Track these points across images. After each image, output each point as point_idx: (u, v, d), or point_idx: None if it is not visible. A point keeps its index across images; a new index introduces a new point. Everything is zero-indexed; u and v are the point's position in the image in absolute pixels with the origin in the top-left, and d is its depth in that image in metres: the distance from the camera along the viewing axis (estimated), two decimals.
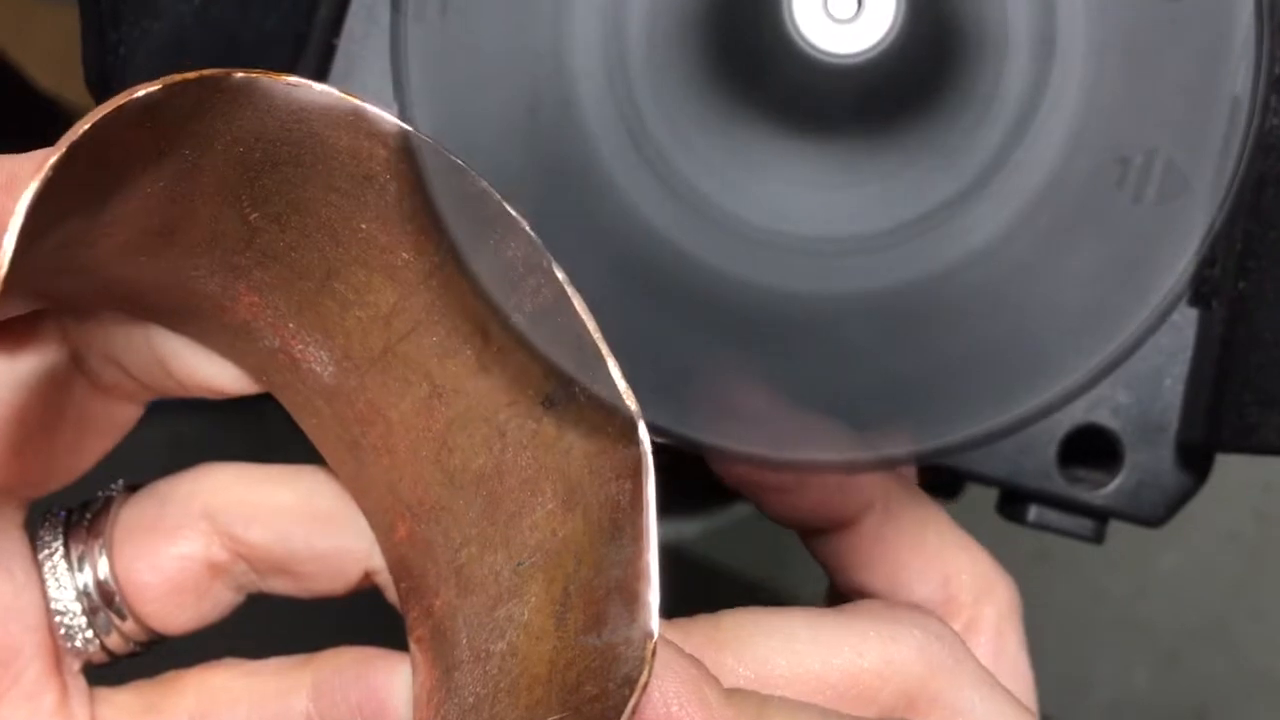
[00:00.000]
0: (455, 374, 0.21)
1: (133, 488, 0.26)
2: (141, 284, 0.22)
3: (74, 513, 0.25)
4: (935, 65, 0.17)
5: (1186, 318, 0.24)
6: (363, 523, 0.25)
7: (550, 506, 0.21)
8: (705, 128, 0.17)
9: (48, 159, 0.16)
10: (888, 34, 0.16)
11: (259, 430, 0.26)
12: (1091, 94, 0.19)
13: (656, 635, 0.18)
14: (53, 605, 0.24)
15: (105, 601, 0.25)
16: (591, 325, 0.19)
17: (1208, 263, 0.24)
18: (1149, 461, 0.25)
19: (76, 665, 0.25)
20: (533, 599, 0.21)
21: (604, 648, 0.19)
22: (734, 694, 0.20)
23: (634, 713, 0.17)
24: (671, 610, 0.25)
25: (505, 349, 0.20)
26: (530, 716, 0.20)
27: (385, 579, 0.25)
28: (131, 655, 0.26)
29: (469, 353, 0.21)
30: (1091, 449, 0.26)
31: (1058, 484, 0.25)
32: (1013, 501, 0.26)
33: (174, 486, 0.25)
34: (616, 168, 0.17)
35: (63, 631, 0.24)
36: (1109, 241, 0.19)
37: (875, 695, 0.22)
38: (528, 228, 0.19)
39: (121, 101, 0.16)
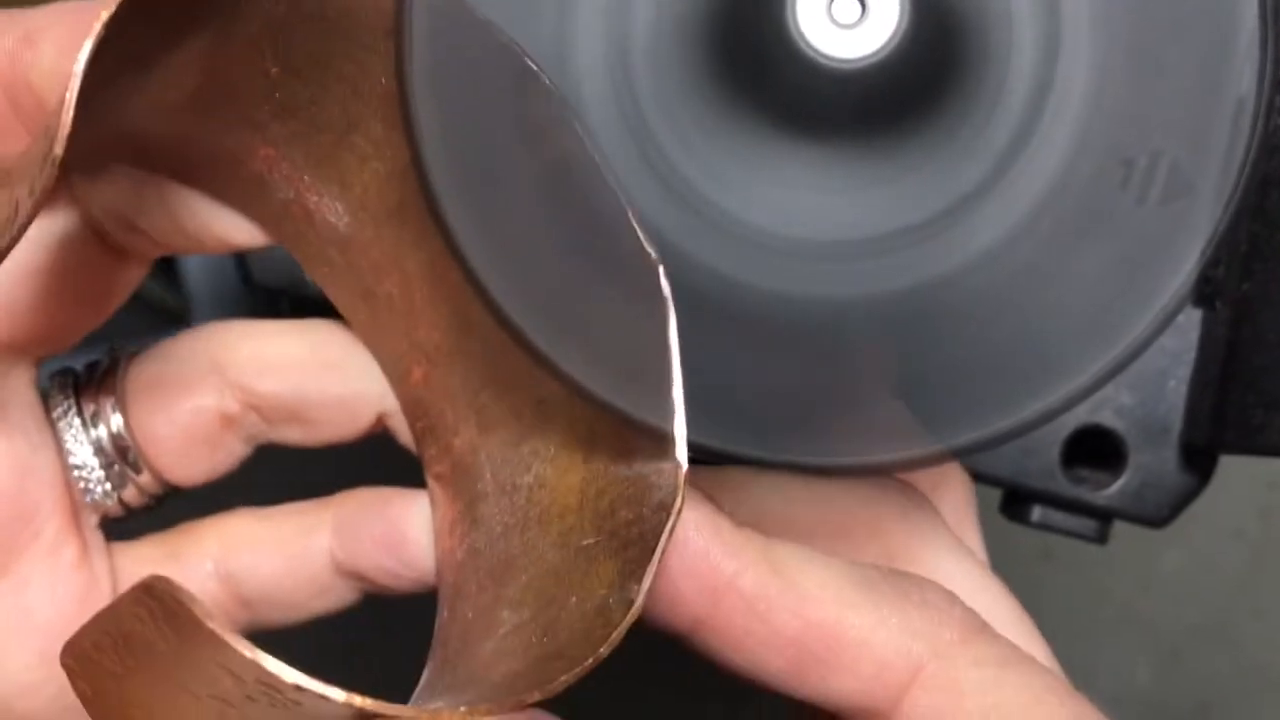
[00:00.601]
0: None
1: (133, 353, 0.26)
2: (157, 139, 0.22)
3: (80, 374, 0.25)
4: (939, 70, 0.17)
5: (1190, 319, 0.24)
6: (374, 368, 0.25)
7: None
8: (708, 131, 0.17)
9: (92, 14, 0.16)
10: (891, 39, 0.16)
11: None
12: (1096, 96, 0.19)
13: (685, 466, 0.19)
14: (70, 461, 0.24)
15: (120, 455, 0.25)
16: (612, 179, 0.18)
17: (1212, 264, 0.23)
18: (1152, 462, 0.25)
19: (94, 519, 0.25)
20: (557, 434, 0.21)
21: (635, 477, 0.19)
22: (743, 529, 0.21)
23: (671, 533, 0.18)
24: None
25: None
26: (564, 541, 0.20)
27: (398, 422, 0.25)
28: (146, 509, 0.26)
29: None
30: (1095, 450, 0.26)
31: (1061, 484, 0.25)
32: (1016, 502, 0.26)
33: (182, 344, 0.25)
34: (619, 170, 0.17)
35: (80, 486, 0.25)
36: (1113, 244, 0.19)
37: (861, 548, 0.22)
38: (549, 81, 0.18)
39: None
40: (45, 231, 0.22)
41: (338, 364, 0.25)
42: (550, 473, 0.21)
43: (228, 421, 0.25)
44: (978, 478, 0.26)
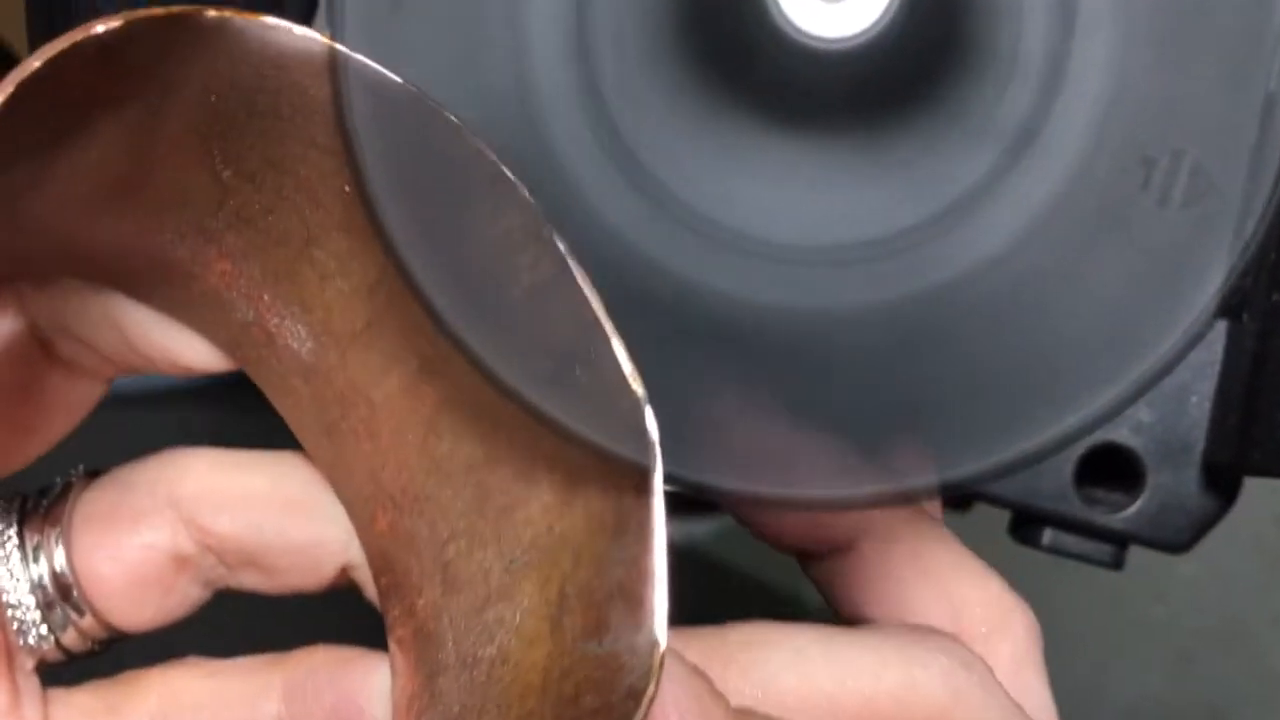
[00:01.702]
0: (444, 351, 0.19)
1: (93, 474, 0.24)
2: (105, 246, 0.20)
3: (29, 500, 0.24)
4: (938, 49, 0.16)
5: (1215, 330, 0.23)
6: (341, 513, 0.23)
7: (547, 499, 0.19)
8: (681, 124, 0.15)
9: None
10: (884, 14, 0.15)
11: (272, 419, 0.24)
12: (1114, 86, 0.17)
13: (664, 645, 0.17)
14: (5, 599, 0.23)
15: (62, 595, 0.23)
16: (595, 302, 0.17)
17: (1240, 273, 0.22)
18: (1172, 483, 0.24)
19: (30, 664, 0.23)
20: (526, 600, 0.20)
21: (605, 656, 0.18)
22: (742, 713, 0.19)
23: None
24: (680, 614, 0.23)
25: None
26: None
27: (364, 575, 0.23)
28: (89, 654, 0.24)
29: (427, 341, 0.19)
30: (1111, 469, 0.24)
31: (1074, 506, 0.24)
32: (1026, 524, 0.25)
33: (137, 472, 0.23)
34: (583, 173, 0.15)
35: (15, 627, 0.23)
36: (1133, 250, 0.17)
37: None
38: (526, 193, 0.17)
39: (78, 38, 0.15)
40: None
41: (302, 505, 0.23)
42: (514, 645, 0.20)
43: (182, 562, 0.23)
44: (984, 498, 0.25)
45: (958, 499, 0.39)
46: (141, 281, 0.22)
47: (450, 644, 0.21)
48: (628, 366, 0.17)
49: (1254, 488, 0.24)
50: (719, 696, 0.18)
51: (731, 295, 0.15)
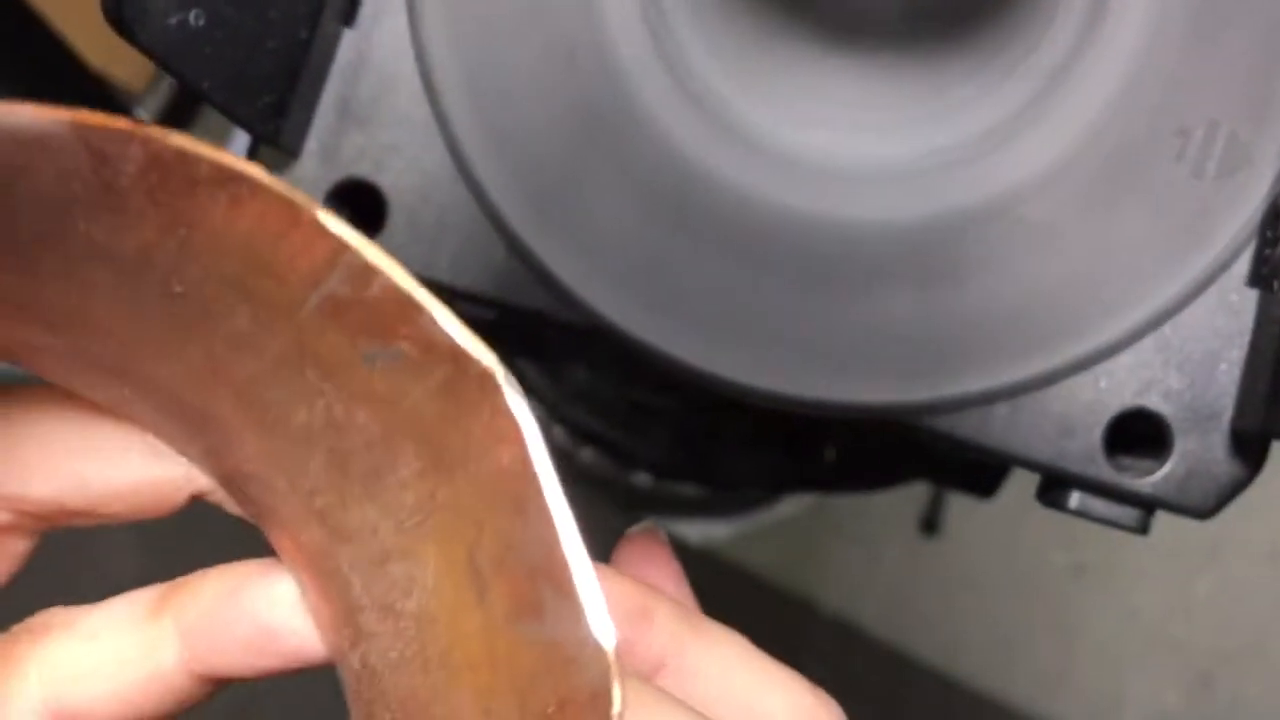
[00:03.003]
0: (231, 339, 0.19)
1: None
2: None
3: None
4: None
5: (1245, 299, 0.23)
6: (164, 448, 0.21)
7: (417, 467, 0.19)
8: (743, 47, 0.16)
9: None
10: None
11: None
12: (1147, 48, 0.18)
13: (610, 647, 0.16)
14: None
15: None
16: (395, 270, 0.16)
17: (1269, 242, 0.22)
18: (1200, 449, 0.24)
19: None
20: (432, 562, 0.19)
21: (550, 645, 0.17)
22: None
23: None
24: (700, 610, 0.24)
25: (281, 313, 0.18)
26: (483, 706, 0.18)
27: (222, 497, 0.22)
28: None
29: (241, 318, 0.18)
30: (1140, 435, 0.24)
31: (1103, 469, 0.24)
32: (1054, 487, 0.25)
33: None
34: (647, 92, 0.16)
35: None
36: (1160, 208, 0.18)
37: None
38: (262, 178, 0.16)
39: None
40: None
41: (124, 448, 0.21)
42: (438, 608, 0.19)
43: (4, 530, 0.21)
44: (1014, 461, 0.25)
45: (984, 483, 0.39)
46: None
47: (358, 585, 0.20)
48: (460, 334, 0.16)
49: (1273, 504, 0.25)
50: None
51: (778, 204, 0.16)
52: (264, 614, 0.21)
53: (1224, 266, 0.17)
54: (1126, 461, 0.25)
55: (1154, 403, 0.24)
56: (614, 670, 0.16)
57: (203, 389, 0.20)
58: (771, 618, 1.05)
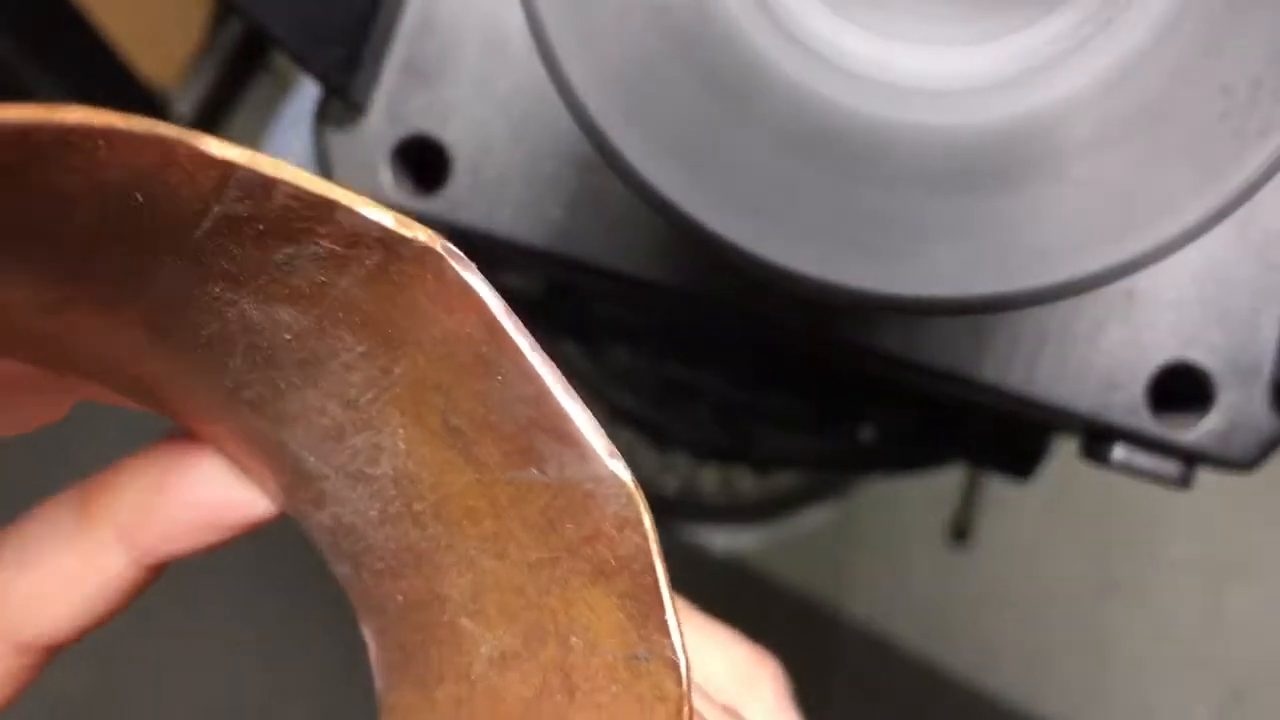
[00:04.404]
0: (128, 268, 0.18)
1: None
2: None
3: None
4: None
5: None
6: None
7: (359, 350, 0.18)
8: None
9: None
10: None
11: None
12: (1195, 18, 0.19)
13: (629, 477, 0.16)
14: None
15: None
16: (307, 178, 0.16)
17: None
18: (1242, 402, 0.24)
19: None
20: (399, 431, 0.19)
21: (562, 485, 0.17)
22: None
23: (664, 564, 0.16)
24: (724, 621, 0.24)
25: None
26: (499, 551, 0.18)
27: (113, 398, 0.21)
28: None
29: (122, 253, 0.18)
30: (1182, 389, 0.25)
31: (1145, 422, 0.25)
32: (1097, 441, 0.26)
33: None
34: (743, 21, 0.17)
35: None
36: (1195, 151, 0.18)
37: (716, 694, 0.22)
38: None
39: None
40: None
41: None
42: (417, 469, 0.19)
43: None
44: (1059, 415, 0.25)
45: (1022, 462, 0.39)
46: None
47: (313, 460, 0.20)
48: (343, 195, 0.16)
49: None
50: None
51: (864, 115, 0.17)
52: (202, 493, 0.20)
53: (1254, 189, 0.18)
54: (1169, 415, 0.25)
55: (1197, 356, 0.25)
56: (638, 497, 0.16)
57: (102, 331, 0.19)
58: (798, 628, 1.05)
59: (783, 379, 0.39)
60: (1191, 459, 0.25)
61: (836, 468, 0.40)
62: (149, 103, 0.66)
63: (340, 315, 0.18)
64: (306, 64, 0.24)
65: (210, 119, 0.86)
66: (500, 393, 0.17)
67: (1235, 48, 0.20)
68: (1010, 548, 1.01)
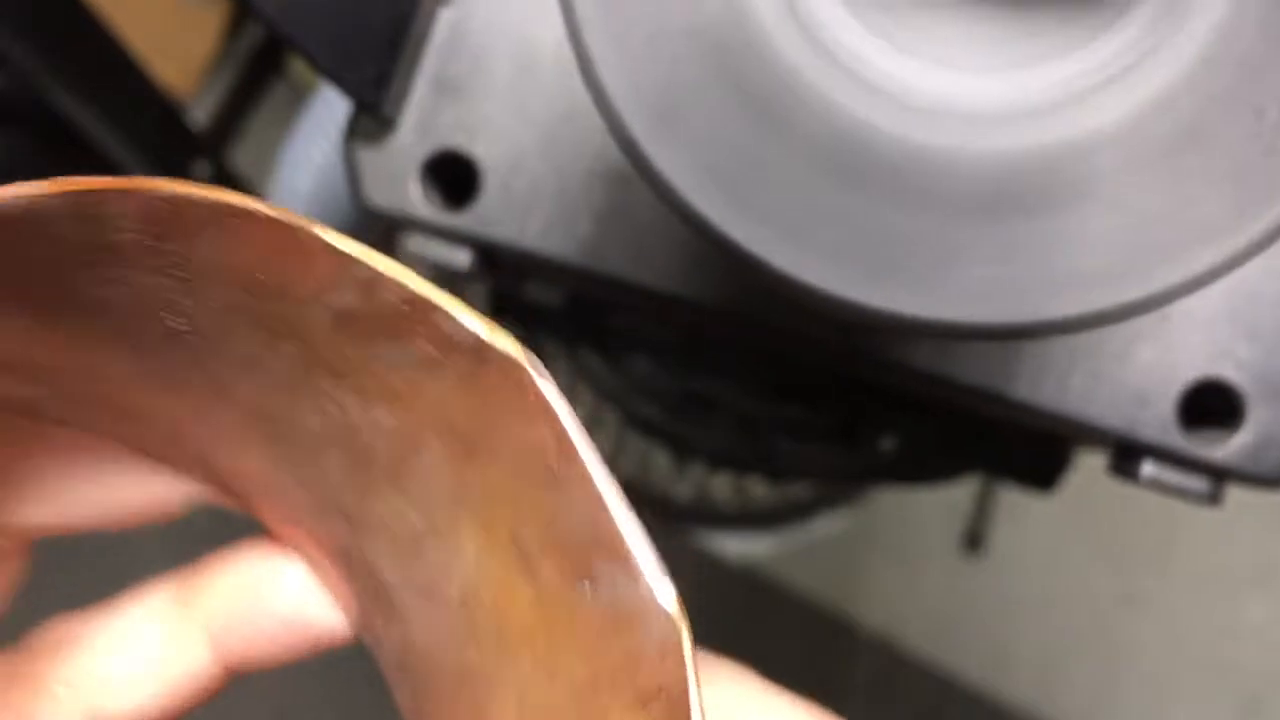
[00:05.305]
0: (250, 353, 0.19)
1: None
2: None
3: None
4: None
5: None
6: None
7: (444, 455, 0.19)
8: None
9: None
10: None
11: None
12: (1228, 22, 0.19)
13: (674, 601, 0.16)
14: None
15: None
16: (413, 278, 0.17)
17: None
18: (1272, 419, 0.24)
19: None
20: (470, 544, 0.19)
21: (610, 606, 0.17)
22: None
23: (699, 690, 0.16)
24: (737, 629, 0.24)
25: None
26: (549, 669, 0.18)
27: (214, 496, 0.22)
28: None
29: (248, 338, 0.19)
30: (1212, 404, 0.25)
31: (1175, 439, 0.25)
32: (1127, 457, 0.25)
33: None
34: (779, 38, 0.17)
35: None
36: (1229, 173, 0.18)
37: None
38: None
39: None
40: None
41: (117, 476, 0.21)
42: (483, 587, 0.19)
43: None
44: (1090, 432, 0.25)
45: (1045, 474, 0.39)
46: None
47: (388, 571, 0.20)
48: (468, 318, 0.17)
49: None
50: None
51: (901, 138, 0.17)
52: (289, 607, 0.21)
53: None
54: (1199, 431, 0.25)
55: (1227, 373, 0.24)
56: (683, 626, 0.16)
57: (207, 415, 0.20)
58: (811, 636, 1.05)
59: (804, 390, 0.39)
60: (1221, 476, 0.25)
61: (856, 479, 0.40)
62: (167, 111, 0.66)
63: (429, 419, 0.18)
64: (339, 81, 0.24)
65: (226, 127, 0.86)
66: (565, 509, 0.17)
67: (1269, 71, 0.20)
68: (1024, 556, 1.00)
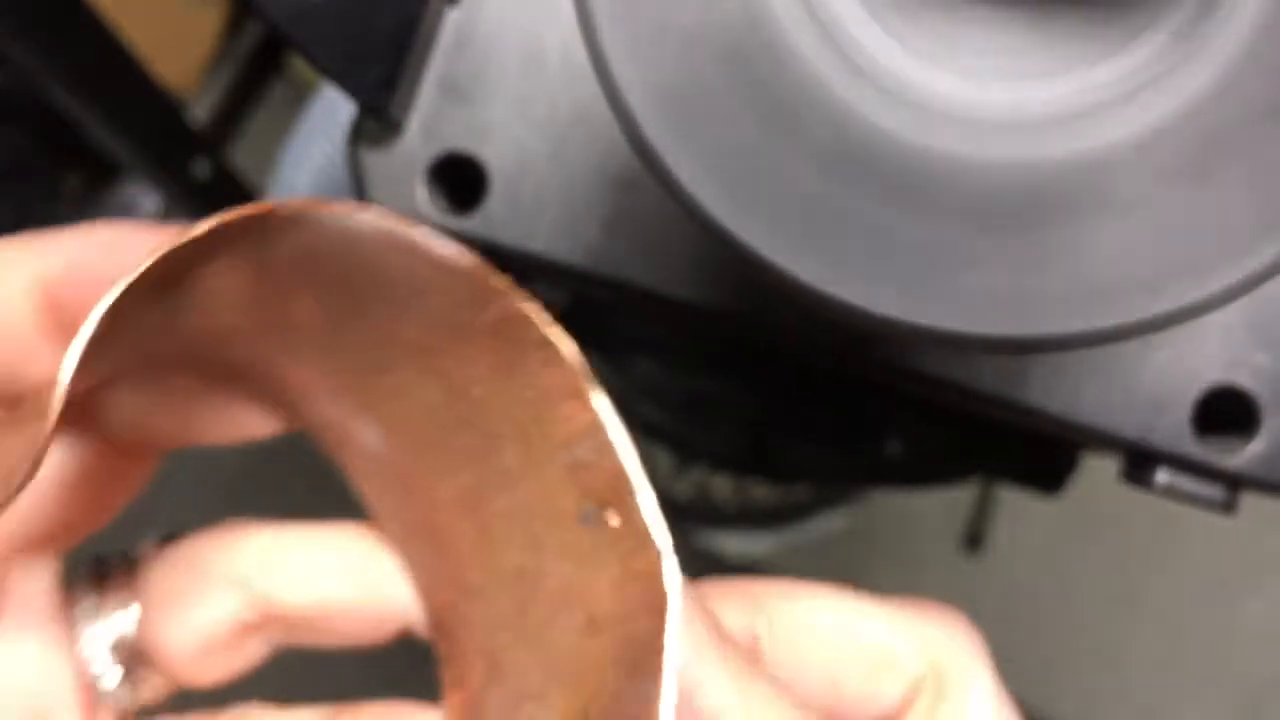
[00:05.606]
0: (498, 472, 0.22)
1: (167, 538, 0.25)
2: (199, 360, 0.23)
3: (106, 564, 0.25)
4: None
5: None
6: (400, 576, 0.25)
7: (578, 622, 0.21)
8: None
9: (108, 289, 0.17)
10: None
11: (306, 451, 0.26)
12: (1265, 23, 0.18)
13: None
14: (84, 659, 0.24)
15: (136, 658, 0.24)
16: (628, 455, 0.20)
17: None
18: None
19: (109, 719, 0.24)
20: (556, 709, 0.21)
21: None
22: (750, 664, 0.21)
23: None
24: None
25: (541, 460, 0.21)
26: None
27: (423, 630, 0.25)
28: (161, 708, 0.25)
29: (510, 456, 0.22)
30: (1228, 413, 0.25)
31: (1190, 446, 0.24)
32: (1140, 465, 0.25)
33: (206, 548, 0.25)
34: (799, 42, 0.17)
35: (95, 684, 0.24)
36: (1258, 182, 0.18)
37: (899, 667, 0.23)
38: (568, 353, 0.21)
39: (181, 240, 0.18)
40: (59, 451, 0.22)
41: (364, 572, 0.25)
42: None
43: (248, 629, 0.24)
44: (1103, 439, 0.25)
45: (1050, 474, 0.39)
46: (228, 380, 0.24)
47: (477, 571, 0.23)
48: (653, 517, 0.20)
49: None
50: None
51: (923, 146, 0.17)
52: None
53: None
54: (1214, 439, 0.25)
55: (1243, 380, 0.24)
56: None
57: (456, 519, 0.23)
58: None
59: (809, 393, 0.39)
60: (1237, 484, 0.25)
61: (860, 481, 0.40)
62: (167, 109, 0.66)
63: (586, 589, 0.21)
64: (345, 85, 0.23)
65: (226, 126, 0.86)
66: (630, 690, 0.20)
67: None
68: (1024, 556, 1.00)
